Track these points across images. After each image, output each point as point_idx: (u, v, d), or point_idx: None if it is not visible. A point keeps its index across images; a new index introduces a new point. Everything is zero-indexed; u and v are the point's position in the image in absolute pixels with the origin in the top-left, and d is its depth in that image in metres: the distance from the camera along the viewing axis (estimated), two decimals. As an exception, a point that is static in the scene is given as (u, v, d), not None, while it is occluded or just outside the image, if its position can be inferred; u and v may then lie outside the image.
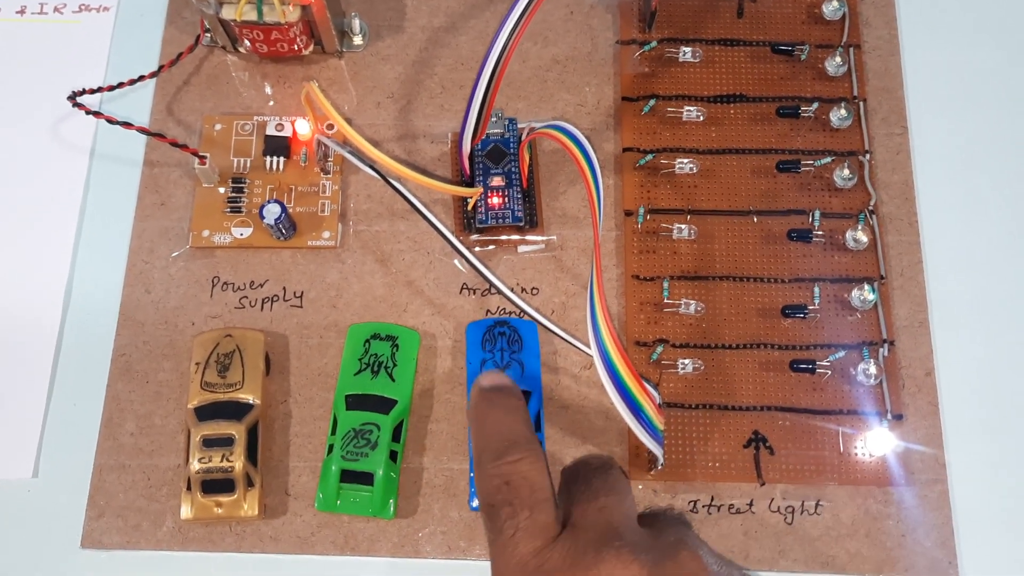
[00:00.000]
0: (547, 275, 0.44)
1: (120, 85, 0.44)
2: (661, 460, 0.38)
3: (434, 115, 0.46)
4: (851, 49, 0.46)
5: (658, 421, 0.37)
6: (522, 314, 0.41)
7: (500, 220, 0.43)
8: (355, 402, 0.40)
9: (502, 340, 0.41)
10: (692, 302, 0.42)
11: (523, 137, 0.43)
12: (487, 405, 0.32)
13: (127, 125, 0.40)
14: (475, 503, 0.40)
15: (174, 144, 0.41)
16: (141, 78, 0.44)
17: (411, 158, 0.46)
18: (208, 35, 0.46)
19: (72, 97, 0.41)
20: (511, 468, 0.29)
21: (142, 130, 0.40)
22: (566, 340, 0.40)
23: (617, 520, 0.28)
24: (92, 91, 0.43)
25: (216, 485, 0.39)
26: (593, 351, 0.35)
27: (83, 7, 0.48)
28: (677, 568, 0.27)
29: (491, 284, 0.40)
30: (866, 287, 0.42)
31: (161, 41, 0.48)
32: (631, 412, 0.35)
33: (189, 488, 0.39)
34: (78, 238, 0.44)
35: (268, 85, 0.47)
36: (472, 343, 0.42)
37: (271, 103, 0.46)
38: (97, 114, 0.40)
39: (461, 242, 0.40)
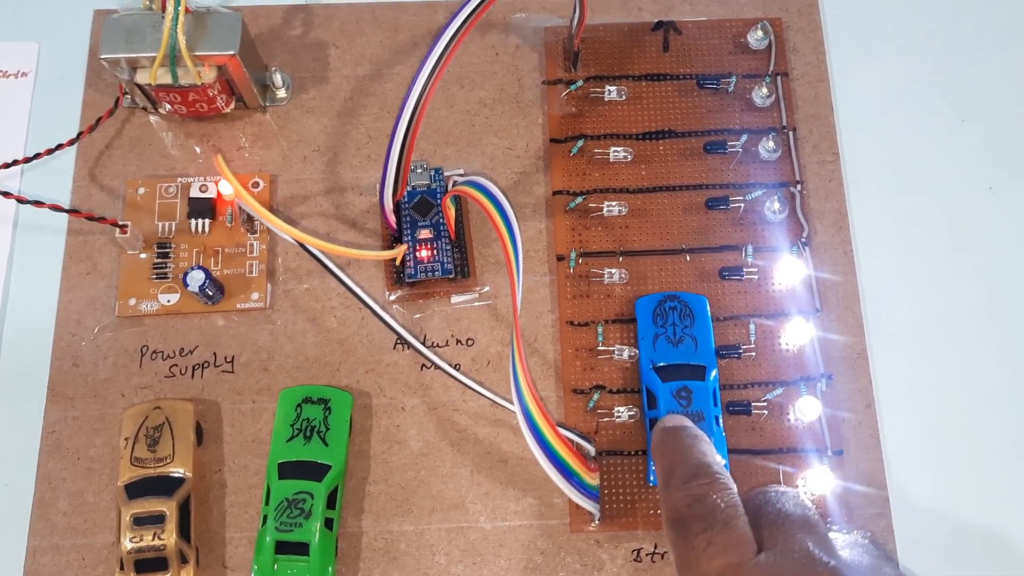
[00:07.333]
0: (482, 325, 0.43)
1: (37, 156, 0.43)
2: (597, 516, 0.38)
3: (361, 166, 0.46)
4: (779, 77, 0.46)
5: (589, 478, 0.36)
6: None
7: (430, 273, 0.42)
8: (287, 470, 0.39)
9: (673, 315, 0.40)
10: (625, 348, 0.41)
11: (448, 189, 0.42)
12: (673, 439, 0.34)
13: (38, 204, 0.39)
14: (653, 478, 0.38)
15: (90, 218, 0.40)
16: (59, 147, 0.43)
17: (340, 211, 0.45)
18: (128, 97, 0.46)
19: (-19, 176, 0.40)
20: (701, 489, 0.30)
21: (54, 207, 0.39)
22: (490, 399, 0.39)
23: (818, 542, 0.29)
24: (7, 165, 0.42)
25: (149, 564, 0.38)
26: (517, 413, 0.35)
27: (1, 73, 0.47)
28: None
29: (407, 343, 0.40)
30: (802, 321, 0.41)
31: (82, 104, 0.47)
32: (559, 472, 0.35)
33: (122, 568, 0.38)
34: (3, 312, 0.43)
35: (192, 144, 0.46)
36: (643, 318, 0.41)
37: (196, 162, 0.46)
38: (7, 194, 0.39)
39: (377, 302, 0.40)
